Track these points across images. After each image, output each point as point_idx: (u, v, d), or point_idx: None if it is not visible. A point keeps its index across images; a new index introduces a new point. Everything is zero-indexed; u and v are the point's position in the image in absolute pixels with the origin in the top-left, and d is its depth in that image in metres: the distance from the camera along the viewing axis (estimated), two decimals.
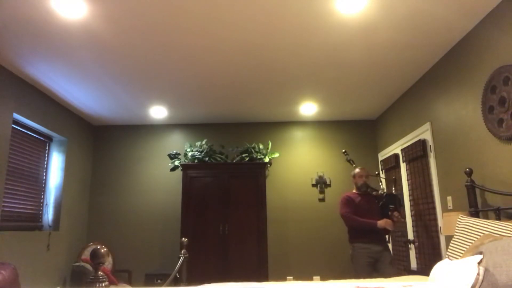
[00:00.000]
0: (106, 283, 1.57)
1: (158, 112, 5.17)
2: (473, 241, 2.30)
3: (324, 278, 5.15)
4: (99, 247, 1.58)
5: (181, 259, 3.25)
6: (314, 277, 5.23)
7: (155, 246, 5.39)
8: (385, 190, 3.93)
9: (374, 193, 3.87)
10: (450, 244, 2.51)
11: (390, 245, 5.07)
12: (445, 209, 3.61)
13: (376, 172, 4.30)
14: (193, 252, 4.75)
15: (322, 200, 5.48)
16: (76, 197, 5.17)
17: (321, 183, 5.51)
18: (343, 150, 4.27)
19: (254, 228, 4.87)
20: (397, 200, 3.81)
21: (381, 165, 5.37)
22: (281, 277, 5.23)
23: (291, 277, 5.25)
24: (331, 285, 2.24)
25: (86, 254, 5.01)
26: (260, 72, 3.94)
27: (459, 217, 2.60)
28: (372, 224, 3.64)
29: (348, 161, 4.31)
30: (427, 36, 3.25)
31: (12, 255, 3.77)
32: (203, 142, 5.27)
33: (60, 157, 4.88)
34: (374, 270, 3.66)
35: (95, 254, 1.55)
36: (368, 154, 5.58)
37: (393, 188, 4.32)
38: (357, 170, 3.95)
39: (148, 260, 5.34)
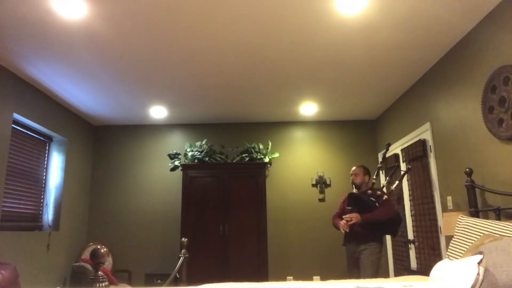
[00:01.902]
0: (106, 283, 1.58)
1: (158, 112, 5.17)
2: (473, 241, 2.30)
3: (324, 278, 5.15)
4: (99, 247, 1.58)
5: (181, 259, 3.25)
6: (314, 277, 5.23)
7: (155, 246, 5.39)
8: (355, 190, 3.79)
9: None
10: (450, 244, 2.51)
11: (389, 244, 5.08)
12: (445, 209, 3.61)
13: (379, 165, 4.15)
14: (193, 252, 4.75)
15: (322, 200, 5.48)
16: (76, 197, 5.17)
17: (321, 183, 5.51)
18: (387, 143, 4.14)
19: (254, 228, 4.87)
20: (358, 201, 3.61)
21: (382, 167, 5.36)
22: (281, 277, 5.24)
23: (291, 277, 5.25)
24: (331, 285, 2.24)
25: (86, 254, 5.01)
26: (260, 72, 3.94)
27: (459, 217, 2.60)
28: (337, 225, 3.65)
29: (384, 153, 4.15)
30: (427, 36, 3.25)
31: (12, 255, 3.77)
32: (203, 142, 5.27)
33: (60, 157, 4.88)
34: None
35: (95, 254, 1.55)
36: (368, 154, 5.58)
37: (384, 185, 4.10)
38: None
39: (148, 260, 5.34)
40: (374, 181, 3.86)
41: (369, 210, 3.53)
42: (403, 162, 4.60)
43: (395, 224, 3.59)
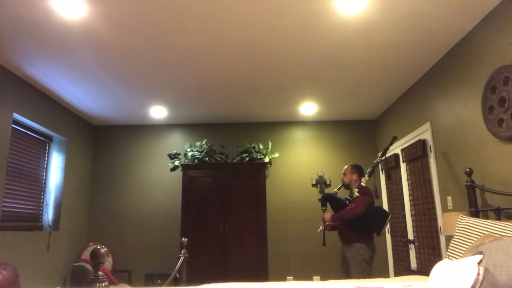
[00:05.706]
0: (106, 283, 1.58)
1: (158, 112, 5.17)
2: (473, 241, 2.30)
3: (324, 278, 5.14)
4: (99, 247, 1.58)
5: (181, 259, 3.25)
6: (314, 277, 5.23)
7: (155, 246, 5.39)
8: (335, 190, 3.74)
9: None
10: (450, 244, 2.51)
11: (389, 244, 5.07)
12: (445, 209, 3.61)
13: (376, 161, 3.95)
14: (193, 252, 4.75)
15: None
16: (76, 197, 5.17)
17: (321, 183, 5.51)
18: (394, 136, 3.77)
19: (254, 228, 4.87)
20: (330, 201, 3.60)
21: (381, 165, 5.37)
22: (281, 277, 5.23)
23: (291, 277, 5.25)
24: (331, 285, 2.24)
25: (86, 254, 5.01)
26: (260, 72, 3.94)
27: (459, 217, 2.59)
28: None
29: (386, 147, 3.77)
30: (427, 36, 3.25)
31: (12, 255, 3.77)
32: (203, 142, 5.27)
33: (60, 157, 4.88)
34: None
35: (95, 254, 1.55)
36: (368, 154, 5.58)
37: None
38: None
39: (148, 260, 5.34)
40: (363, 180, 3.55)
41: (341, 209, 3.48)
42: (403, 162, 4.60)
43: (380, 221, 3.37)
